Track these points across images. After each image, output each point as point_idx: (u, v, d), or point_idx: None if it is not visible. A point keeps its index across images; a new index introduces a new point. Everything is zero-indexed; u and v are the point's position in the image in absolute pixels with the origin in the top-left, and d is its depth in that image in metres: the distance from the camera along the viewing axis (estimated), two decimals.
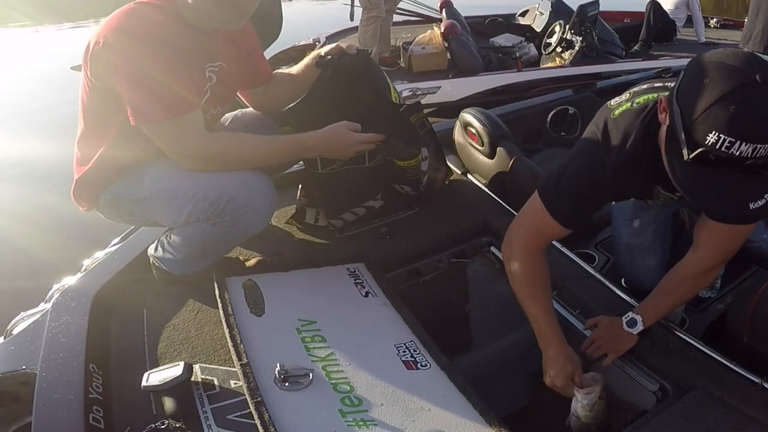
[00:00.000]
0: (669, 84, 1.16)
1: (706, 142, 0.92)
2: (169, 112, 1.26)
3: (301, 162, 1.76)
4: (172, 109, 1.26)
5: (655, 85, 1.20)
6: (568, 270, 1.54)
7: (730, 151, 0.91)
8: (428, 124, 1.82)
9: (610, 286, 1.47)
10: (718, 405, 1.12)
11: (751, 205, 0.97)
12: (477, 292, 1.71)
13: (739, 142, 0.90)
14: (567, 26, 4.43)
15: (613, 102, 1.22)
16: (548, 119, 2.67)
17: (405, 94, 3.84)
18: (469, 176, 2.05)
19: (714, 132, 0.91)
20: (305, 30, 5.00)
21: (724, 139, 0.91)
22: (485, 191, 1.94)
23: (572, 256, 1.59)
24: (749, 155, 0.91)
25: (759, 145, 0.90)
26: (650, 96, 1.16)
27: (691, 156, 0.95)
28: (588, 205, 1.25)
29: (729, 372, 1.19)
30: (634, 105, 1.17)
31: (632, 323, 1.27)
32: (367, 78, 1.59)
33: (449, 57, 4.25)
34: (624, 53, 4.77)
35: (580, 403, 1.19)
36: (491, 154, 1.92)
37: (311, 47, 4.35)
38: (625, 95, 1.22)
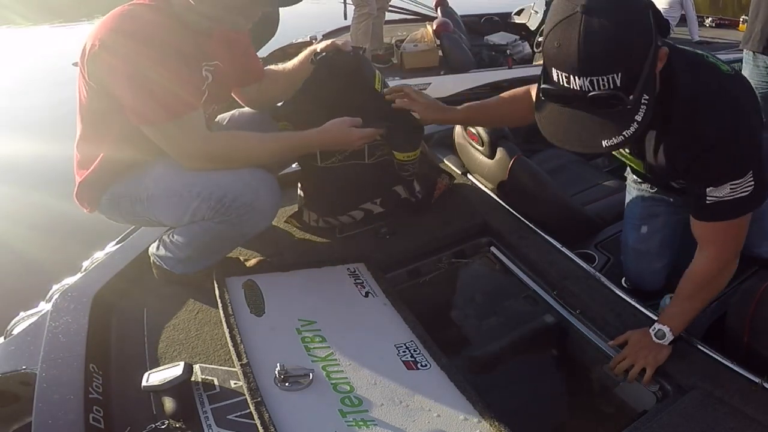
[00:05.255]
0: None
1: (550, 78, 0.95)
2: (170, 114, 1.26)
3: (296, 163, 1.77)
4: (173, 110, 1.26)
5: None
6: (568, 270, 1.54)
7: (569, 85, 0.92)
8: None
9: (610, 286, 1.47)
10: (718, 405, 1.12)
11: (605, 143, 0.96)
12: (477, 292, 1.71)
13: (571, 76, 0.91)
14: None
15: None
16: None
17: None
18: (469, 176, 2.05)
19: (552, 68, 0.94)
20: (302, 28, 4.99)
21: (559, 74, 0.93)
22: (485, 191, 1.94)
23: (572, 256, 1.59)
24: (588, 88, 0.92)
25: (594, 78, 0.90)
26: None
27: (540, 92, 0.98)
28: None
29: (729, 372, 1.19)
30: None
31: (661, 335, 1.23)
32: (362, 74, 1.59)
33: (441, 54, 4.26)
34: None
35: None
36: (491, 154, 1.91)
37: (308, 45, 4.33)
38: None
